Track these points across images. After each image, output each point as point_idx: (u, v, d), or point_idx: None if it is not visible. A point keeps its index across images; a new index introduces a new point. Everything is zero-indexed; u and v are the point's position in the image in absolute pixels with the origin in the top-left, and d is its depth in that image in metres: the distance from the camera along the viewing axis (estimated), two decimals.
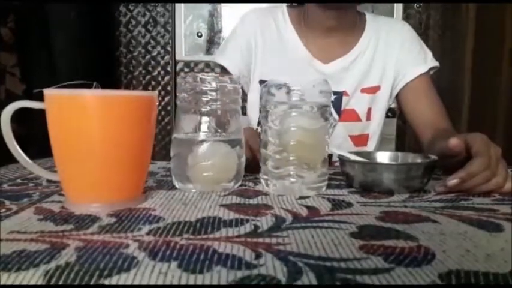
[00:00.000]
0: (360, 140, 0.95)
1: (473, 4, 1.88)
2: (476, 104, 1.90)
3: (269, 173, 0.54)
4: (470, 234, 0.37)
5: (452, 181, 0.52)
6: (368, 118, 0.95)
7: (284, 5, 0.98)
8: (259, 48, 0.95)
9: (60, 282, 0.27)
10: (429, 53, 0.95)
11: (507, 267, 0.30)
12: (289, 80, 0.52)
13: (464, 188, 0.53)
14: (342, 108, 0.92)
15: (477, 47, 1.88)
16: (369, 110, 0.94)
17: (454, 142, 0.55)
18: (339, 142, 0.93)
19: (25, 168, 0.47)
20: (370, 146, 0.96)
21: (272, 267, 0.29)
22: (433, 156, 0.57)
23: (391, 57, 0.93)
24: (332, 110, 0.91)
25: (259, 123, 0.92)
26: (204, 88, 0.53)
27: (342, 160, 0.58)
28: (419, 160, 0.59)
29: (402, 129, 1.99)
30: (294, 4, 0.98)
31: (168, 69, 2.00)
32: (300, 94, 0.52)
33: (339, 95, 0.91)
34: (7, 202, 0.46)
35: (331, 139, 0.91)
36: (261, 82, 0.93)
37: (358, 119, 0.94)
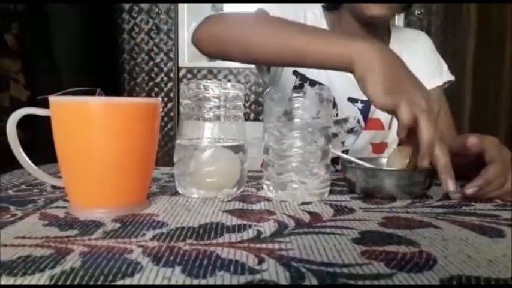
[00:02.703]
0: (379, 148, 0.96)
1: (474, 8, 1.88)
2: (478, 108, 1.90)
3: (271, 178, 0.54)
4: (472, 239, 0.37)
5: (470, 189, 0.52)
6: (389, 127, 0.96)
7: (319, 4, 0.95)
8: None
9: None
10: (445, 66, 0.96)
11: (508, 272, 0.30)
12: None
13: (480, 195, 0.53)
14: (369, 116, 0.93)
15: (478, 52, 1.88)
16: (392, 118, 0.95)
17: (474, 141, 0.54)
18: (359, 148, 0.93)
19: (30, 174, 0.47)
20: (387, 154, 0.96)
21: (275, 272, 0.29)
22: None
23: (412, 66, 0.94)
24: (360, 117, 0.92)
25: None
26: (207, 95, 0.53)
27: (344, 166, 0.58)
28: None
29: None
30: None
31: (171, 75, 2.01)
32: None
33: (366, 103, 0.91)
34: (12, 208, 0.47)
35: (353, 146, 0.93)
36: (296, 73, 0.91)
37: (382, 128, 0.95)
